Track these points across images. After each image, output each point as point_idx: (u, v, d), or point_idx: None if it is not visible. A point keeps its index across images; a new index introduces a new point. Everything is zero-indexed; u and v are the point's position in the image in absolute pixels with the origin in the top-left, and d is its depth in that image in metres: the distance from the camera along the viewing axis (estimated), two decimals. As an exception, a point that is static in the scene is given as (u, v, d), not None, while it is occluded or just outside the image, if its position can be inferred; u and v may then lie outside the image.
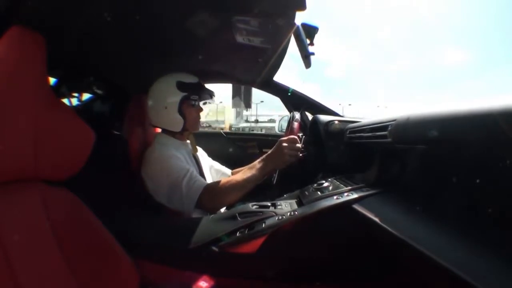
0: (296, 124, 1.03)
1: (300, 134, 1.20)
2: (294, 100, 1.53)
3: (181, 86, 1.04)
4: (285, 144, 0.91)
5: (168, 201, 0.97)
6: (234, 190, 0.91)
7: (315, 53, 0.95)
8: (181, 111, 1.05)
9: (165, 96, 1.04)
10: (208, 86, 1.15)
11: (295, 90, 1.52)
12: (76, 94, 1.25)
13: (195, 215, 0.95)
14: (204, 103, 1.16)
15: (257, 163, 0.95)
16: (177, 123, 1.07)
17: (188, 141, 1.18)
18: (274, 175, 1.13)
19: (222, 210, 1.05)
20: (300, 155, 0.96)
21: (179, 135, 1.12)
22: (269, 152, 0.95)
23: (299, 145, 0.93)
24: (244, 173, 0.94)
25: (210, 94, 1.12)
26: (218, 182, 0.94)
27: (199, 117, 1.13)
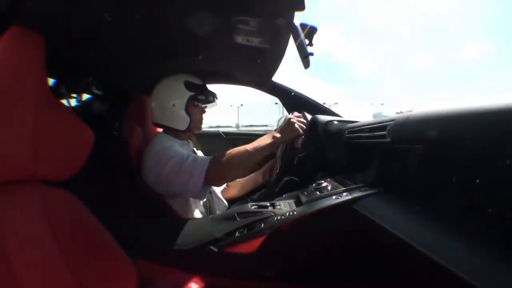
0: (296, 114, 1.05)
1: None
2: (293, 101, 1.53)
3: (189, 85, 1.07)
4: (292, 118, 0.97)
5: (170, 187, 0.96)
6: (242, 158, 0.92)
7: (314, 53, 0.95)
8: (187, 110, 1.07)
9: (173, 94, 1.06)
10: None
11: (295, 91, 1.53)
12: (75, 95, 1.25)
13: (204, 195, 0.96)
14: (205, 106, 1.17)
15: (265, 136, 0.97)
16: (183, 121, 1.08)
17: (190, 141, 1.19)
18: (275, 172, 1.13)
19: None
20: (305, 127, 1.00)
21: (182, 135, 1.13)
22: (277, 128, 0.98)
23: (304, 121, 0.99)
24: (253, 143, 0.95)
25: (214, 96, 1.14)
26: (225, 152, 0.95)
27: (202, 118, 1.15)
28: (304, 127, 0.98)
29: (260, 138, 0.97)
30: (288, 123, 0.96)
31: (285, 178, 1.23)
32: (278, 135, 0.95)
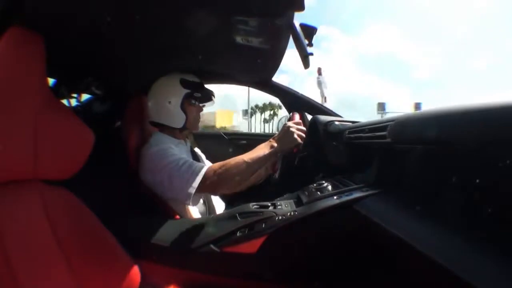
0: (297, 115, 1.03)
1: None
2: (293, 101, 1.53)
3: (184, 83, 1.06)
4: (291, 126, 0.93)
5: (164, 192, 0.95)
6: (239, 170, 0.89)
7: (313, 54, 0.95)
8: (183, 108, 1.06)
9: (169, 92, 1.06)
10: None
11: (296, 91, 1.53)
12: (75, 95, 1.25)
13: (195, 202, 0.94)
14: (203, 106, 1.17)
15: (263, 145, 0.94)
16: (179, 118, 1.07)
17: (187, 140, 1.19)
18: (276, 173, 1.13)
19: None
20: (304, 136, 0.96)
21: (178, 134, 1.12)
22: (275, 135, 0.95)
23: (303, 128, 0.95)
24: (250, 153, 0.92)
25: (211, 94, 1.14)
26: (223, 162, 0.92)
27: (199, 116, 1.14)
28: (303, 135, 0.94)
29: (258, 147, 0.94)
30: (287, 132, 0.93)
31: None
32: (276, 144, 0.92)
